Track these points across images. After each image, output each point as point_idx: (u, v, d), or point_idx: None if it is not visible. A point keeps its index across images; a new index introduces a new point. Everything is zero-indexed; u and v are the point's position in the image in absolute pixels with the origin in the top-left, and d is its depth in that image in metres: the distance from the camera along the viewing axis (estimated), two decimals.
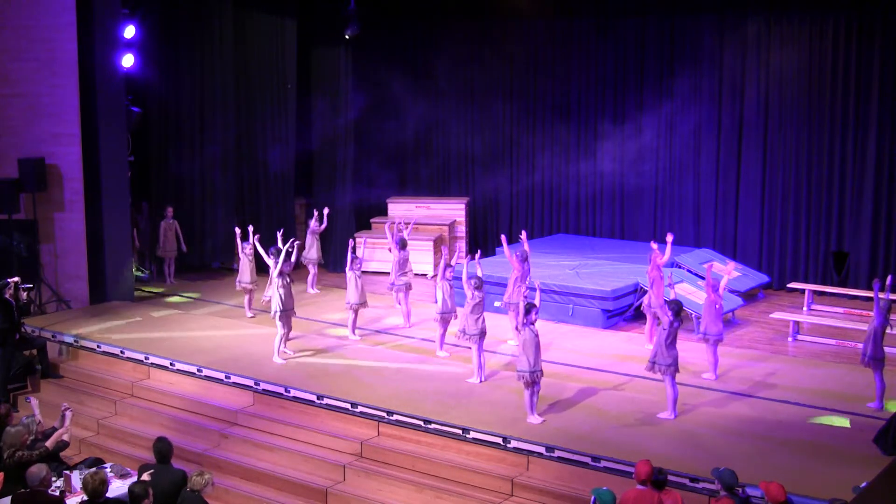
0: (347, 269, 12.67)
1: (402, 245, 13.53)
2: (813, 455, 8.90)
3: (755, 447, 9.05)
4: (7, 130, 14.26)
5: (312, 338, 12.82)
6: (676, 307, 9.79)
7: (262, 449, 10.40)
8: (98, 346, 12.64)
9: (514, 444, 9.33)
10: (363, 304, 12.73)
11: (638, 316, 13.79)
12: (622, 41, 17.27)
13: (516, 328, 10.63)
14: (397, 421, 10.04)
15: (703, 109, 16.52)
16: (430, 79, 18.78)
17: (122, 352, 12.40)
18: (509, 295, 12.26)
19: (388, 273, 14.00)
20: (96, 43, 14.20)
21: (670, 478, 7.92)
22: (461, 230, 18.15)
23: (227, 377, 11.38)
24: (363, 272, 12.91)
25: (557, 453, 9.09)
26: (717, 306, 11.00)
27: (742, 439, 9.27)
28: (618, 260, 15.15)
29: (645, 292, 12.50)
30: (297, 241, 12.64)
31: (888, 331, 10.06)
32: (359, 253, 13.01)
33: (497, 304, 13.04)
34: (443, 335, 11.96)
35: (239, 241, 13.94)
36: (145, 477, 8.10)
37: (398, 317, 13.57)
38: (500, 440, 9.40)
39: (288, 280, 11.81)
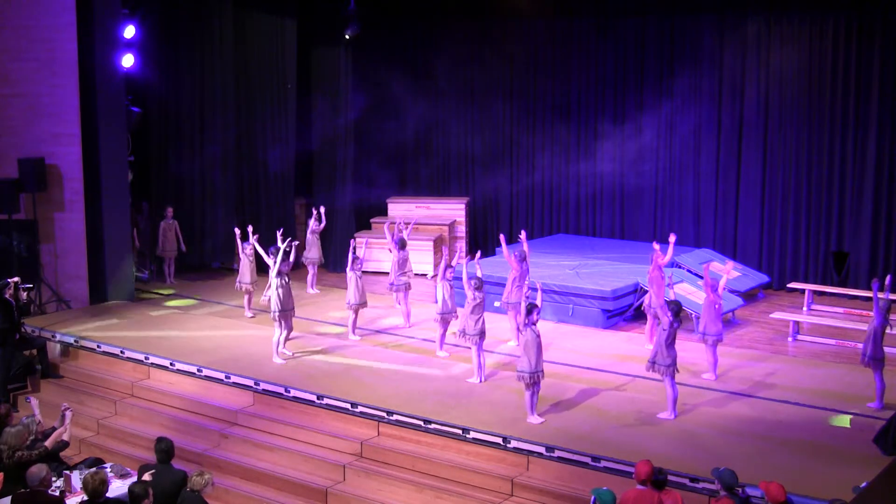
0: (348, 269, 12.68)
1: (402, 245, 13.53)
2: (813, 455, 8.90)
3: (755, 447, 9.05)
4: (7, 130, 14.26)
5: (312, 338, 12.83)
6: (676, 307, 9.80)
7: (262, 449, 10.40)
8: (98, 346, 12.64)
9: (514, 444, 9.33)
10: (363, 304, 12.73)
11: (638, 316, 13.79)
12: (622, 41, 17.27)
13: (518, 328, 10.63)
14: (397, 421, 10.04)
15: (703, 109, 16.51)
16: (430, 79, 18.77)
17: (122, 352, 12.40)
18: (508, 295, 12.27)
19: (388, 273, 14.00)
20: (96, 43, 14.21)
21: (670, 478, 7.92)
22: (461, 230, 18.15)
23: (227, 377, 11.39)
24: (363, 272, 12.92)
25: (557, 453, 9.09)
26: (717, 306, 11.00)
27: (742, 439, 9.27)
28: (618, 260, 15.15)
29: (645, 292, 12.50)
30: (296, 241, 12.64)
31: (888, 331, 10.06)
32: (359, 253, 13.01)
33: (497, 304, 13.04)
34: (443, 335, 11.96)
35: (239, 241, 13.95)
36: (146, 477, 8.10)
37: (398, 317, 13.58)
38: (500, 440, 9.40)
39: (286, 280, 11.80)
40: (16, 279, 12.44)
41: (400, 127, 19.13)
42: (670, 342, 9.73)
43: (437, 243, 17.34)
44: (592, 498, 7.55)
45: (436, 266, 16.69)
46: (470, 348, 11.08)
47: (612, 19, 17.34)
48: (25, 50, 14.09)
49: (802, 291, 14.36)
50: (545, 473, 9.10)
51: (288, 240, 12.16)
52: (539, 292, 10.23)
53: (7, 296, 11.92)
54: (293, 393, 10.81)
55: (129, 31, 14.69)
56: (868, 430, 9.24)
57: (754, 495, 7.80)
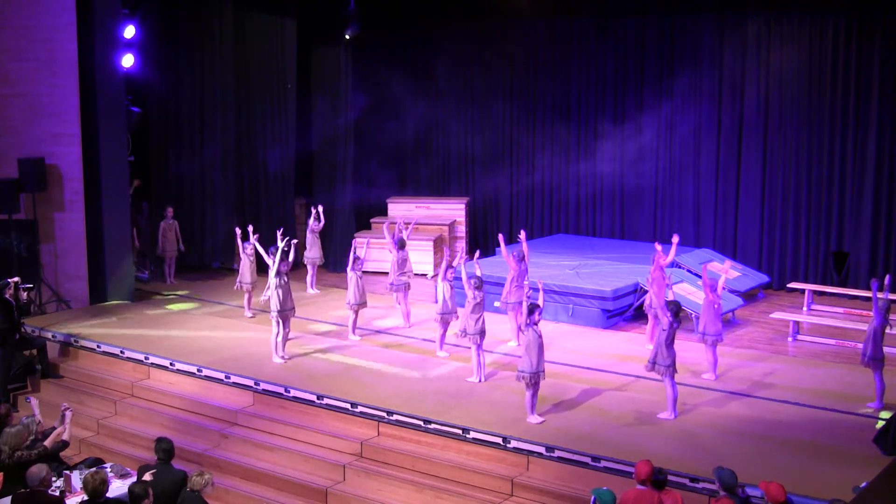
0: (349, 269, 12.68)
1: (401, 245, 13.53)
2: (813, 455, 8.90)
3: (755, 447, 9.05)
4: (7, 130, 14.26)
5: (312, 338, 12.82)
6: (675, 308, 9.80)
7: (262, 449, 10.40)
8: (98, 346, 12.64)
9: (514, 444, 9.33)
10: (363, 304, 12.73)
11: (638, 316, 13.79)
12: (622, 41, 17.27)
13: (519, 328, 10.64)
14: (397, 421, 10.04)
15: (703, 109, 16.51)
16: (430, 79, 18.77)
17: (122, 352, 12.40)
18: (507, 295, 12.28)
19: (388, 273, 14.00)
20: (96, 43, 14.21)
21: (670, 478, 7.92)
22: (461, 230, 18.15)
23: (227, 377, 11.38)
24: (364, 272, 12.92)
25: (557, 453, 9.09)
26: (716, 306, 11.00)
27: (742, 439, 9.27)
28: (618, 260, 15.15)
29: (645, 292, 12.50)
30: (295, 241, 12.65)
31: (888, 330, 10.06)
32: (360, 253, 13.01)
33: (496, 304, 13.05)
34: (443, 335, 11.96)
35: (240, 240, 13.96)
36: (146, 477, 8.10)
37: (398, 317, 13.57)
38: (500, 440, 9.40)
39: (286, 280, 11.79)
40: (16, 279, 12.45)
41: (400, 127, 19.13)
42: (670, 342, 9.73)
43: (437, 243, 17.34)
44: (592, 498, 7.56)
45: (436, 266, 16.70)
46: (469, 348, 11.08)
47: (612, 19, 17.34)
48: (25, 50, 14.09)
49: (802, 291, 14.36)
50: (545, 473, 9.10)
51: (286, 239, 12.17)
52: (541, 292, 10.23)
53: (7, 296, 11.92)
54: (293, 393, 10.81)
55: (129, 31, 14.70)
56: (868, 430, 9.25)
57: (754, 495, 7.80)
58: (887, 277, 10.19)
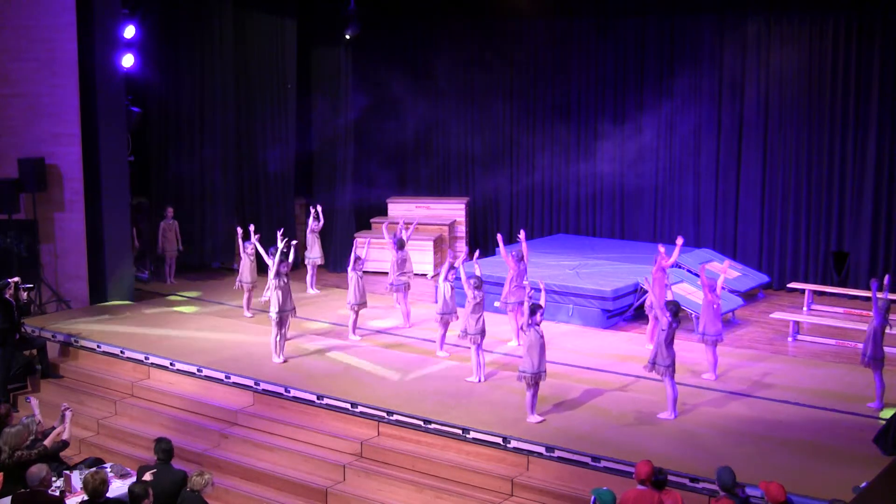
0: (349, 269, 12.67)
1: (400, 245, 13.53)
2: (813, 455, 8.90)
3: (755, 447, 9.05)
4: (7, 130, 14.26)
5: (312, 338, 12.82)
6: (674, 308, 9.80)
7: (262, 449, 10.40)
8: (98, 346, 12.64)
9: (514, 444, 9.33)
10: (364, 304, 12.73)
11: (638, 316, 13.79)
12: (622, 41, 17.28)
13: (520, 328, 10.63)
14: (397, 421, 10.04)
15: (703, 109, 16.52)
16: (430, 79, 18.78)
17: (122, 352, 12.40)
18: (506, 295, 12.28)
19: (388, 273, 14.00)
20: (96, 43, 14.20)
21: (670, 478, 7.92)
22: (461, 230, 18.15)
23: (227, 377, 11.38)
24: (364, 272, 12.92)
25: (557, 453, 9.09)
26: (715, 306, 10.99)
27: (742, 439, 9.27)
28: (618, 260, 15.15)
29: (645, 292, 12.49)
30: (294, 241, 12.63)
31: (888, 330, 10.06)
32: (361, 253, 13.01)
33: (496, 304, 13.05)
34: (443, 335, 11.95)
35: (240, 240, 13.97)
36: (146, 477, 8.10)
37: (398, 317, 13.57)
38: (500, 440, 9.40)
39: (285, 280, 11.78)
40: (16, 279, 12.44)
41: (400, 127, 19.13)
42: (669, 342, 9.73)
43: (437, 243, 17.34)
44: (592, 498, 7.55)
45: (436, 266, 16.70)
46: (470, 348, 11.08)
47: (612, 19, 17.35)
48: (25, 50, 14.09)
49: (802, 291, 14.36)
50: (545, 473, 9.10)
51: (286, 240, 12.15)
52: (543, 292, 10.23)
53: (7, 296, 11.92)
54: (293, 393, 10.81)
55: (129, 31, 14.70)
56: (868, 430, 9.24)
57: (754, 495, 7.79)
58: (887, 277, 10.20)
